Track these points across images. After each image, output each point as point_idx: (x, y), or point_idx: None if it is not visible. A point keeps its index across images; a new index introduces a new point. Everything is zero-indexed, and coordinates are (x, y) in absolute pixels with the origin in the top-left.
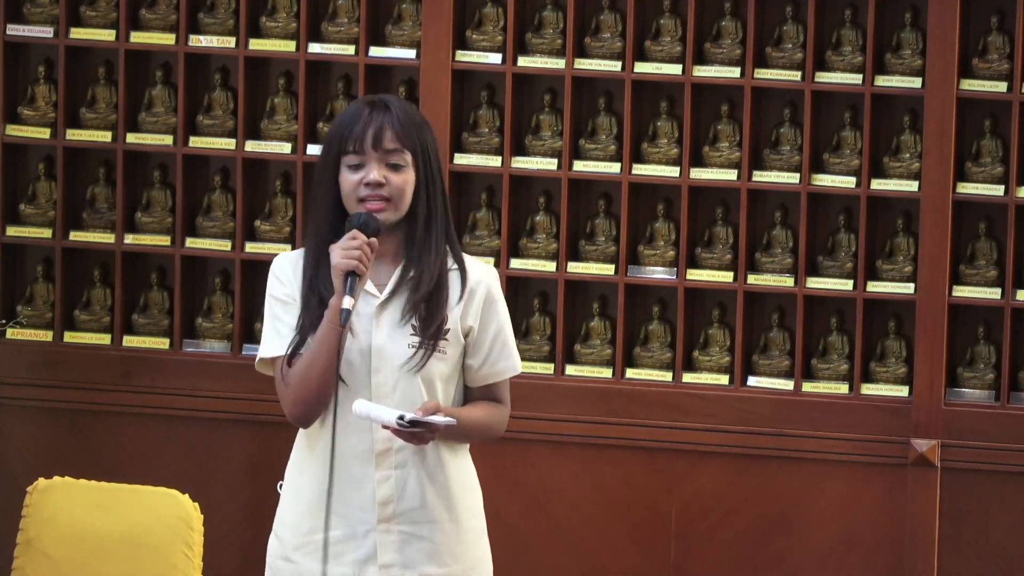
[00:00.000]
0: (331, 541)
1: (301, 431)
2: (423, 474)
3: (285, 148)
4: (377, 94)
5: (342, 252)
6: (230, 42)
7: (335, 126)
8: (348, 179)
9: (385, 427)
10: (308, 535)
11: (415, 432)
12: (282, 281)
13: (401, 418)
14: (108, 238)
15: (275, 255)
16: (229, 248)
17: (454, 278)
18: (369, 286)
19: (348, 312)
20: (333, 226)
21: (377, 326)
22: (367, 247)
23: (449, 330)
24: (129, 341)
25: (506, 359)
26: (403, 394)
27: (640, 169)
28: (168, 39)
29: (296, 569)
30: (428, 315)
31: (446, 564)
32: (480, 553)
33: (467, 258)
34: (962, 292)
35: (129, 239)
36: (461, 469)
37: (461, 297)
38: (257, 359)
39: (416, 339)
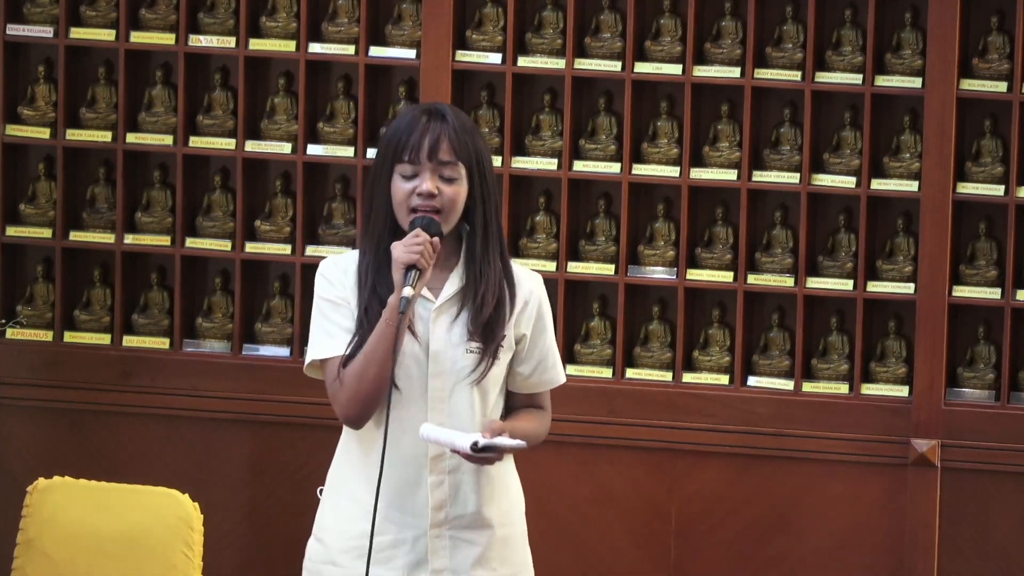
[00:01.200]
0: (382, 546)
1: (347, 435)
2: (475, 479)
3: (285, 148)
4: (435, 102)
5: (404, 248)
6: (230, 42)
7: (390, 132)
8: (401, 188)
9: (454, 451)
10: (359, 539)
11: (478, 460)
12: (331, 282)
13: (475, 445)
14: (108, 238)
15: (274, 255)
16: (229, 248)
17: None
18: (424, 291)
19: (407, 300)
20: (390, 234)
21: (434, 331)
22: (429, 244)
23: (505, 337)
24: (129, 341)
25: (554, 368)
26: (458, 400)
27: (640, 169)
28: (168, 39)
29: (344, 573)
30: (492, 326)
31: (494, 568)
32: (524, 556)
33: (515, 266)
34: (962, 292)
35: (129, 239)
36: (507, 474)
37: (514, 306)
38: (307, 362)
39: (477, 346)
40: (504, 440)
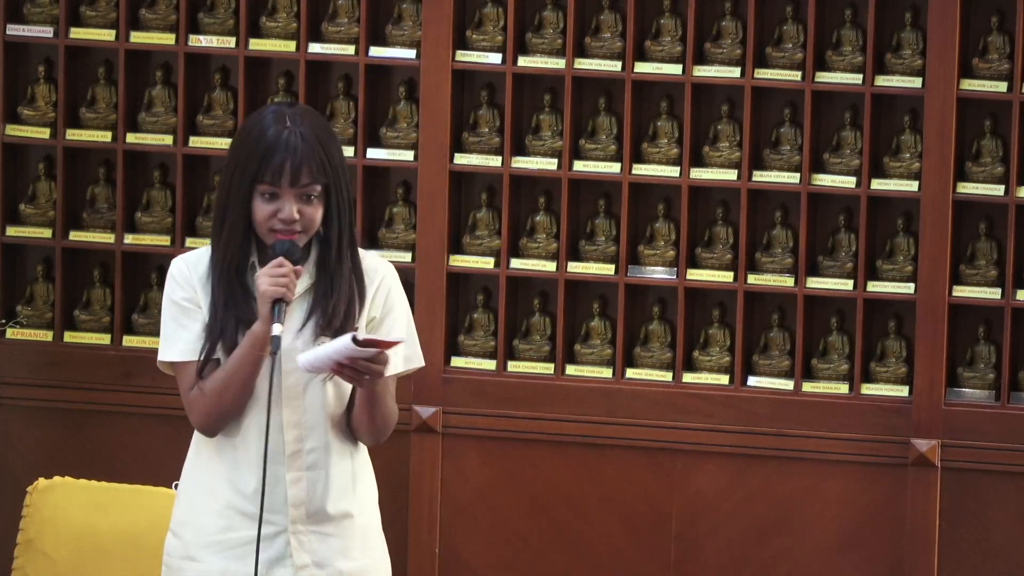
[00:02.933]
0: (242, 541)
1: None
2: (332, 472)
3: None
4: (283, 103)
5: (270, 280)
6: (230, 42)
7: (250, 144)
8: (262, 208)
9: (339, 366)
10: (216, 534)
11: (363, 366)
12: (182, 285)
13: (355, 338)
14: (108, 238)
15: None
16: None
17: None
18: None
19: (278, 339)
20: (245, 248)
21: (284, 336)
22: (292, 275)
23: (357, 328)
24: (129, 341)
25: (407, 350)
26: (312, 395)
27: (640, 169)
28: (168, 39)
29: (201, 568)
30: (342, 329)
31: (356, 558)
32: (380, 543)
33: (365, 254)
34: (962, 292)
35: (129, 239)
36: (363, 464)
37: (364, 300)
38: (159, 359)
39: (329, 341)
40: (381, 337)
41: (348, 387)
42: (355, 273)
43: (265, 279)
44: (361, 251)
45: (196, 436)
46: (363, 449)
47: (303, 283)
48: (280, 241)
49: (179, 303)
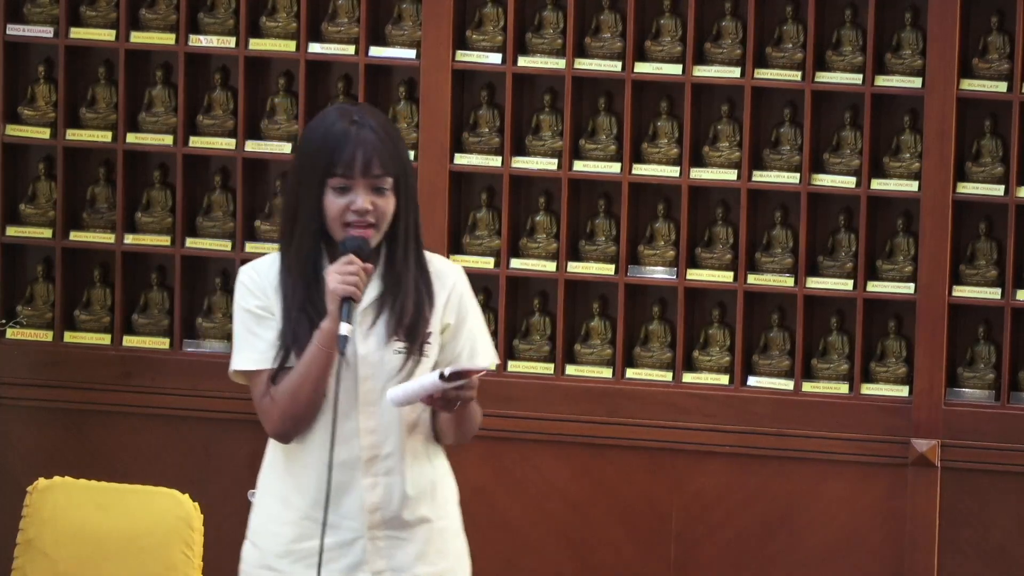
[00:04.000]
0: (316, 550)
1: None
2: (409, 478)
3: (285, 148)
4: (348, 103)
5: (340, 278)
6: (230, 42)
7: (318, 142)
8: (335, 203)
9: (428, 397)
10: (294, 543)
11: (454, 396)
12: (254, 293)
13: (442, 375)
14: (108, 238)
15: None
16: (229, 248)
17: (433, 284)
18: None
19: (346, 339)
20: (319, 246)
21: (360, 335)
22: (363, 272)
23: (431, 333)
24: (129, 341)
25: (473, 357)
26: (388, 403)
27: (640, 169)
28: (168, 39)
29: None
30: (413, 327)
31: (434, 563)
32: (461, 546)
33: (433, 257)
34: (962, 292)
35: (129, 239)
36: (441, 467)
37: (438, 299)
38: (232, 369)
39: (403, 345)
40: (467, 365)
41: None
42: (422, 272)
43: (334, 276)
44: (428, 253)
45: (270, 445)
46: (441, 452)
47: (373, 290)
48: (350, 238)
49: (252, 311)
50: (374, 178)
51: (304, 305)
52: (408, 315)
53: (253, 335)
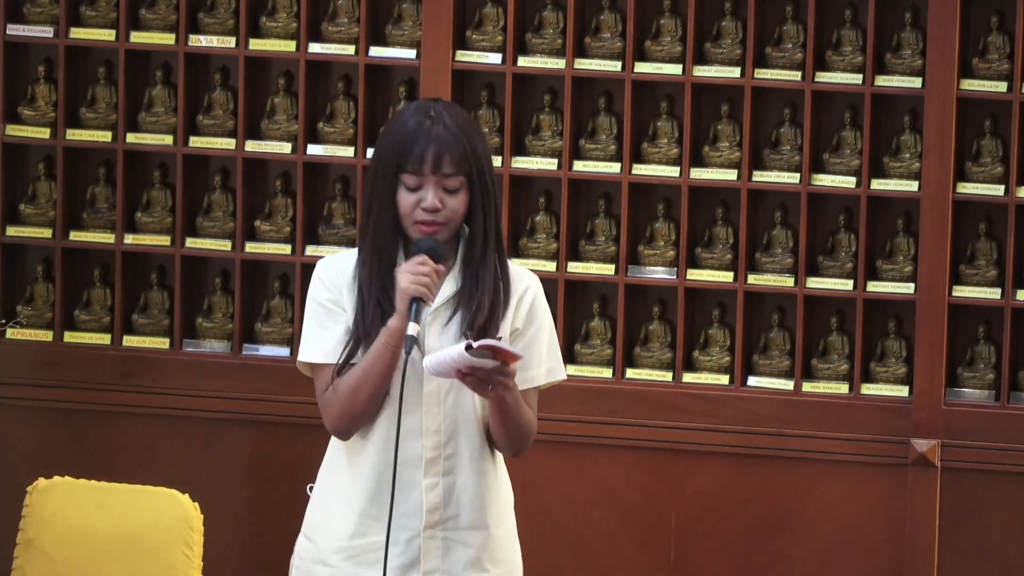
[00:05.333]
0: (374, 547)
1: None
2: (468, 481)
3: (285, 148)
4: (431, 99)
5: (411, 277)
6: (230, 42)
7: (393, 137)
8: (406, 199)
9: (460, 373)
10: (349, 539)
11: (483, 375)
12: (328, 287)
13: (469, 346)
14: (108, 238)
15: (274, 254)
16: (229, 248)
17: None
18: None
19: (413, 339)
20: (394, 242)
21: (429, 334)
22: (434, 274)
23: (501, 337)
24: (129, 341)
25: (539, 367)
26: (454, 402)
27: (640, 169)
28: (168, 39)
29: (333, 573)
30: (485, 329)
31: (486, 570)
32: (514, 555)
33: (513, 266)
34: (962, 292)
35: (129, 239)
36: (500, 474)
37: (508, 307)
38: (299, 360)
39: (470, 338)
40: (502, 343)
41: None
42: (502, 273)
43: (406, 275)
44: (510, 262)
45: (332, 440)
46: (500, 460)
47: (449, 287)
48: (424, 238)
49: (324, 304)
50: (444, 176)
51: (378, 300)
52: (483, 315)
53: (323, 328)
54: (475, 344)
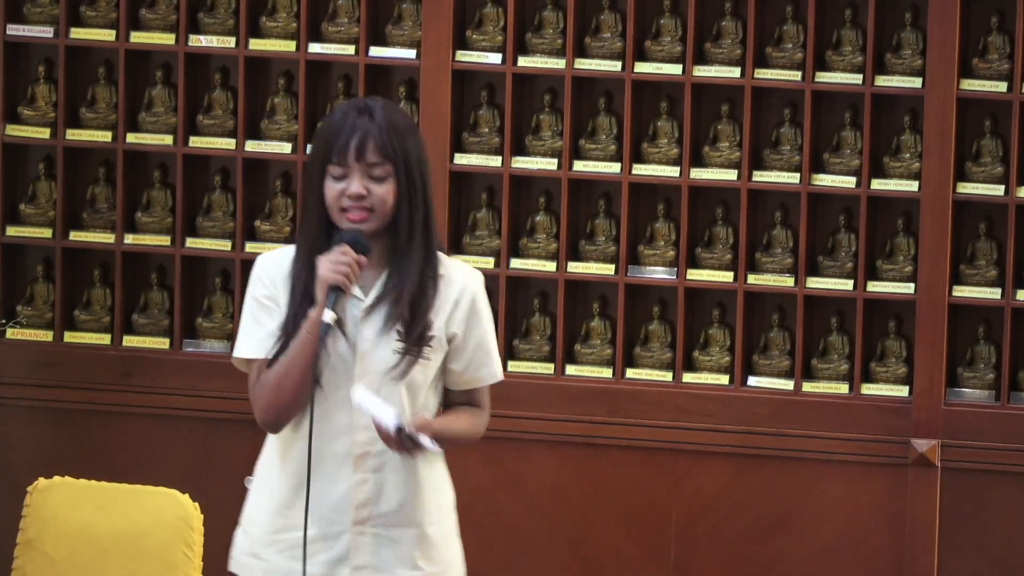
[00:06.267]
0: (299, 541)
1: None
2: (399, 478)
3: (285, 148)
4: (367, 97)
5: (330, 266)
6: (230, 42)
7: (321, 132)
8: (331, 188)
9: (376, 425)
10: (279, 533)
11: (396, 448)
12: (264, 283)
13: (400, 430)
14: (108, 238)
15: None
16: (229, 248)
17: (440, 284)
18: (355, 290)
19: (328, 326)
20: (323, 234)
21: (362, 331)
22: (355, 264)
23: (434, 337)
24: (129, 341)
25: (488, 366)
26: (385, 399)
27: (640, 169)
28: (168, 39)
29: (265, 566)
30: (412, 322)
31: (419, 567)
32: (452, 555)
33: (452, 262)
34: (962, 292)
35: (129, 239)
36: (435, 472)
37: (446, 303)
38: (234, 355)
39: (401, 345)
40: (425, 440)
41: (424, 394)
42: (429, 269)
43: (325, 264)
44: (447, 258)
45: (269, 437)
46: (438, 458)
47: (377, 282)
48: (347, 230)
49: (259, 300)
50: (369, 165)
51: (306, 293)
52: (406, 309)
53: (257, 323)
54: (406, 430)
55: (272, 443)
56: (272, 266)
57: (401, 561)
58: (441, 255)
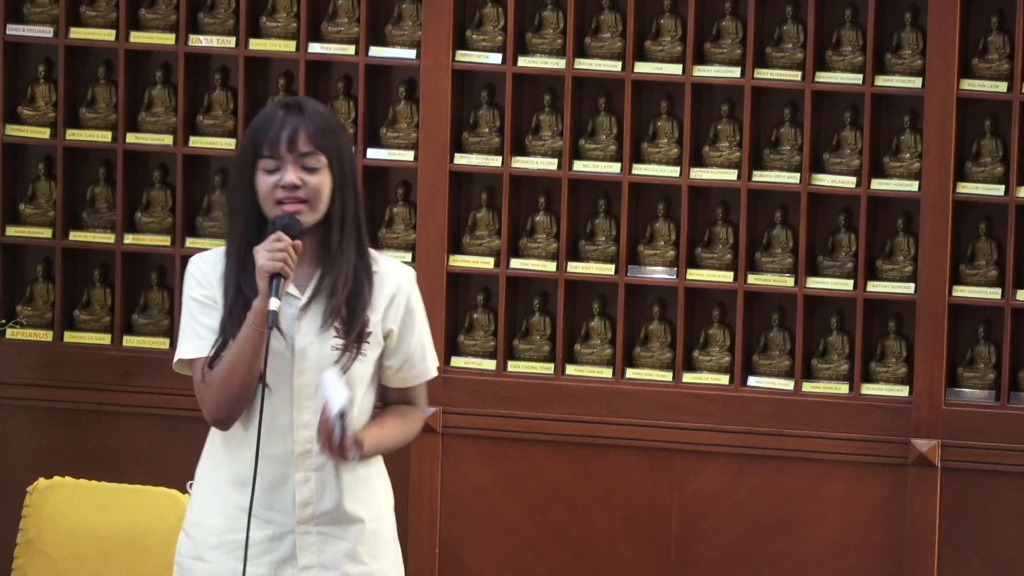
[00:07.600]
0: (250, 542)
1: (214, 431)
2: (341, 476)
3: None
4: (293, 96)
5: (267, 254)
6: (230, 42)
7: (249, 129)
8: (265, 182)
9: (324, 414)
10: (225, 535)
11: (332, 439)
12: (201, 283)
13: (342, 415)
14: (108, 238)
15: None
16: None
17: (375, 281)
18: (290, 288)
19: (275, 314)
20: (254, 230)
21: (299, 328)
22: (291, 249)
23: (371, 333)
24: (129, 341)
25: (423, 363)
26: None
27: (640, 169)
28: (168, 39)
29: (210, 568)
30: (349, 318)
31: (364, 563)
32: (394, 552)
33: (384, 259)
34: (962, 292)
35: (129, 239)
36: (375, 470)
37: (381, 300)
38: (175, 360)
39: (340, 342)
40: (353, 447)
41: (363, 392)
42: (362, 263)
43: (263, 253)
44: (379, 254)
45: (210, 436)
46: (378, 457)
47: (312, 278)
48: (279, 216)
49: (197, 299)
50: (303, 155)
51: (240, 287)
52: (342, 305)
53: (197, 323)
54: (346, 419)
55: (215, 446)
56: (208, 267)
57: (348, 557)
58: (372, 251)
